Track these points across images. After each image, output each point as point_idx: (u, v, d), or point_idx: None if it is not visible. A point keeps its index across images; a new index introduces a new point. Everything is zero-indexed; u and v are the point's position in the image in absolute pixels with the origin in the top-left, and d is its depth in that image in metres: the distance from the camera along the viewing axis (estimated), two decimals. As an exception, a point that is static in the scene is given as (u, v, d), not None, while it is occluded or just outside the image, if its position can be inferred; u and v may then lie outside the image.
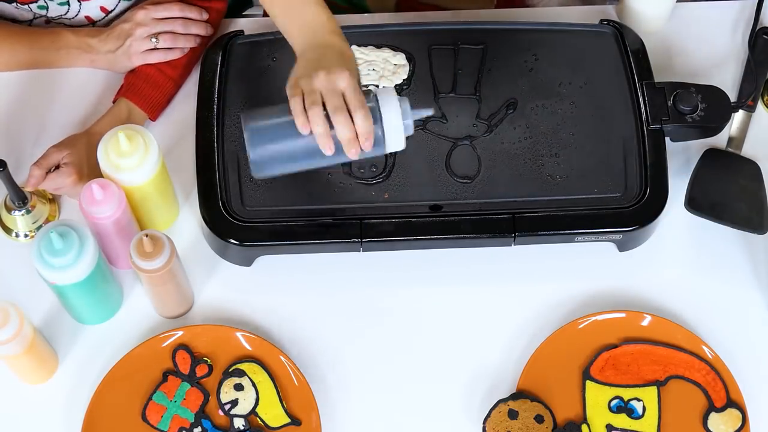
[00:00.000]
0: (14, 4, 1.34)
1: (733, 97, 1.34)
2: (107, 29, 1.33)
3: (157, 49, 1.31)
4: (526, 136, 1.25)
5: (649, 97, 1.26)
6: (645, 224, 1.21)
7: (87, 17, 1.38)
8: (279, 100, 1.27)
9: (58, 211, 1.27)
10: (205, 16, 1.34)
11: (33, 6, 1.33)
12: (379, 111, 1.08)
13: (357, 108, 1.07)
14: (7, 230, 1.26)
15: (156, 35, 1.30)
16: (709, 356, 1.18)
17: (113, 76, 1.34)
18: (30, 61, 1.33)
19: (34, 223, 1.25)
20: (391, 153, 1.22)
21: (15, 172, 1.21)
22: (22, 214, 1.24)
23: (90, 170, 1.21)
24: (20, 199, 1.23)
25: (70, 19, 1.37)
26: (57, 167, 1.21)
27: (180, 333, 1.19)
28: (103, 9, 1.38)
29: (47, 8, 1.33)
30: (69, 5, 1.35)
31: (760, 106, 1.35)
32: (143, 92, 1.30)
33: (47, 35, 1.33)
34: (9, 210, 1.24)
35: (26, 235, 1.26)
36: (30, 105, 1.35)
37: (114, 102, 1.30)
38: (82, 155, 1.22)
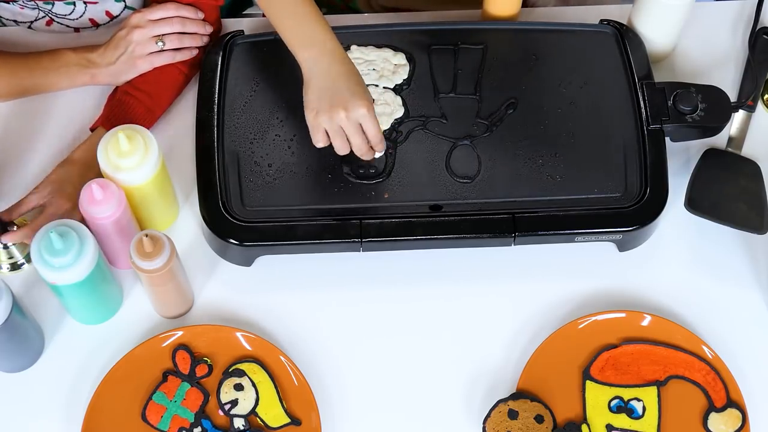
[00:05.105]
0: (20, 1, 1.33)
1: (733, 97, 1.34)
2: (104, 43, 1.30)
3: (165, 51, 1.29)
4: (526, 136, 1.25)
5: (649, 97, 1.26)
6: (645, 224, 1.21)
7: (91, 20, 1.38)
8: (279, 100, 1.27)
9: None
10: (201, 15, 1.32)
11: (39, 2, 1.33)
12: None
13: (377, 144, 1.19)
14: None
15: (160, 37, 1.28)
16: (709, 356, 1.18)
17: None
18: (32, 86, 1.30)
19: (22, 253, 1.23)
20: (391, 152, 1.23)
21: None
22: (3, 247, 1.22)
23: (77, 196, 1.16)
24: (2, 229, 1.19)
25: (73, 20, 1.37)
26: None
27: (180, 333, 1.19)
28: (108, 13, 1.37)
29: (53, 4, 1.33)
30: (75, 6, 1.34)
31: (760, 106, 1.35)
32: (122, 123, 1.24)
33: (46, 55, 1.30)
34: None
35: (10, 268, 1.24)
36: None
37: (92, 130, 1.27)
38: (66, 187, 1.20)
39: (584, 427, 1.15)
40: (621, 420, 1.15)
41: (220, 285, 1.24)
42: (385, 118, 1.26)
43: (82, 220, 1.14)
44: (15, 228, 1.19)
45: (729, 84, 1.36)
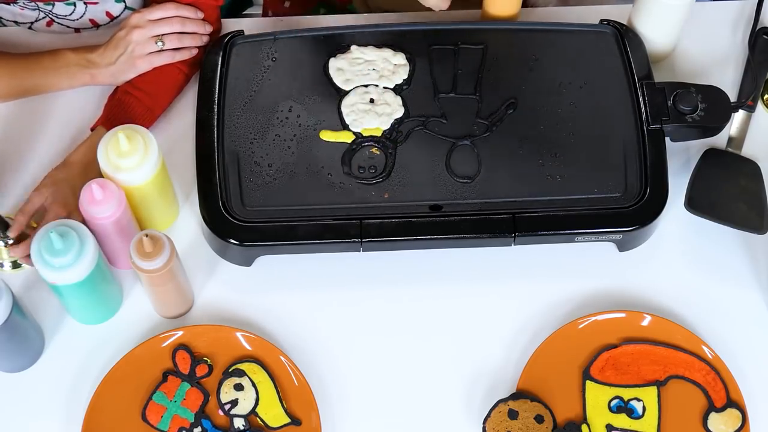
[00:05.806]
0: (20, 2, 1.33)
1: (733, 97, 1.34)
2: (104, 43, 1.30)
3: (164, 50, 1.29)
4: (526, 136, 1.25)
5: (649, 97, 1.26)
6: (645, 224, 1.21)
7: (91, 20, 1.37)
8: (279, 100, 1.27)
9: None
10: (200, 14, 1.32)
11: (40, 3, 1.33)
12: None
13: None
14: None
15: (160, 37, 1.28)
16: (709, 356, 1.18)
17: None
18: (32, 86, 1.30)
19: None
20: (390, 153, 1.22)
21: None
22: (6, 246, 1.22)
23: (75, 200, 1.17)
24: (3, 228, 1.21)
25: (73, 20, 1.36)
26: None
27: (180, 333, 1.19)
28: (108, 14, 1.37)
29: (53, 5, 1.33)
30: (75, 6, 1.34)
31: (760, 106, 1.35)
32: (122, 122, 1.23)
33: (47, 55, 1.30)
34: None
35: (12, 266, 1.23)
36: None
37: (92, 130, 1.27)
38: (64, 190, 1.20)
39: (584, 427, 1.15)
40: (621, 420, 1.15)
41: (220, 285, 1.24)
42: (385, 118, 1.26)
43: (82, 220, 1.14)
44: (11, 222, 1.20)
45: (729, 84, 1.36)
